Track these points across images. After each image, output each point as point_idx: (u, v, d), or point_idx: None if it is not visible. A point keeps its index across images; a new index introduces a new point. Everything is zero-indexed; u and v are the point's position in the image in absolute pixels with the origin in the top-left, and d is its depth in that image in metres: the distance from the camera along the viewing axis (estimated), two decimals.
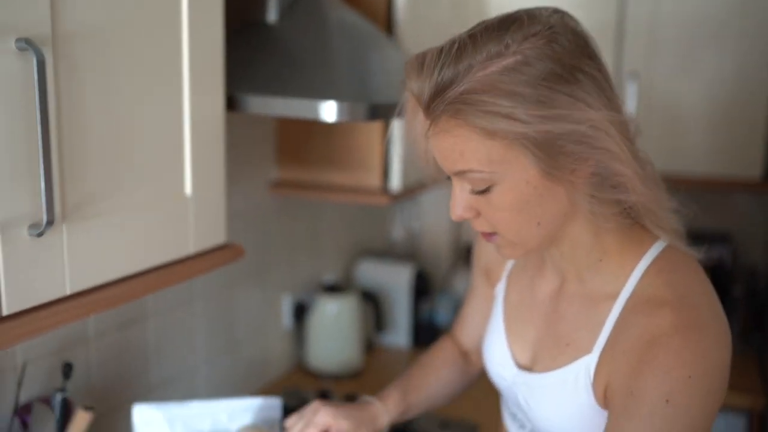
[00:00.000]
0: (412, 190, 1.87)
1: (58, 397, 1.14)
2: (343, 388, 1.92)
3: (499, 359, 1.07)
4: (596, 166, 0.82)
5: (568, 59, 0.81)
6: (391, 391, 1.21)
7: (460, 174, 0.85)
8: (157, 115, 1.00)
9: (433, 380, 1.25)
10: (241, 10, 1.31)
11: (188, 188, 1.07)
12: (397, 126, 1.77)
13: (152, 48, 0.97)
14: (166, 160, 1.03)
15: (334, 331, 2.01)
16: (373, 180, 1.78)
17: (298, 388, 1.93)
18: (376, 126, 1.76)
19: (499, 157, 0.82)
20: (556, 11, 0.85)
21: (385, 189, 1.78)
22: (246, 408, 1.18)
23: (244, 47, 1.25)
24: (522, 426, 1.06)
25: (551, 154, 0.80)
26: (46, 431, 1.15)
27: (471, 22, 0.88)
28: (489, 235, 0.91)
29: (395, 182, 1.79)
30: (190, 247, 1.09)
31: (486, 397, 1.92)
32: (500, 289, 1.12)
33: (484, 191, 0.85)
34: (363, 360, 2.11)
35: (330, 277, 2.12)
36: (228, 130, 1.15)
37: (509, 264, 1.12)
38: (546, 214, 0.86)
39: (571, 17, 0.86)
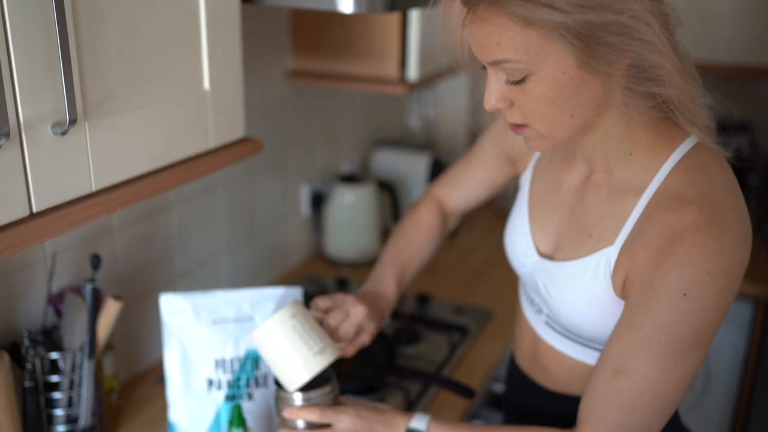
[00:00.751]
0: (429, 79, 1.85)
1: (89, 287, 1.19)
2: (360, 276, 1.98)
3: (521, 247, 1.10)
4: (634, 57, 0.81)
5: None
6: (388, 282, 1.25)
7: (496, 64, 0.85)
8: (173, 9, 0.98)
9: (418, 259, 1.30)
10: None
11: (206, 83, 1.07)
12: (415, 15, 1.73)
13: None
14: (184, 55, 1.02)
15: (351, 220, 2.04)
16: (391, 69, 1.76)
17: (317, 274, 1.99)
18: (394, 15, 1.72)
19: (537, 47, 0.81)
20: None
21: (402, 78, 1.76)
22: (268, 297, 1.22)
23: None
24: (539, 311, 1.10)
25: (589, 44, 0.79)
26: (79, 318, 1.20)
27: None
28: (519, 127, 0.91)
29: (412, 72, 1.76)
30: (210, 142, 1.10)
31: (501, 285, 1.99)
32: (526, 179, 1.14)
33: (519, 81, 0.84)
34: (380, 248, 2.15)
35: (347, 166, 2.13)
36: (243, 21, 1.13)
37: (536, 155, 1.13)
38: (580, 106, 0.86)
39: None
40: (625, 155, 0.94)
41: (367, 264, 2.08)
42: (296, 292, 1.23)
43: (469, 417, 1.51)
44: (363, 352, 1.21)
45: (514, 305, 1.86)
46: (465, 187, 1.30)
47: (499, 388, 1.68)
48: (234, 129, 1.15)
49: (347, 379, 1.39)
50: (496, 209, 2.57)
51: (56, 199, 0.85)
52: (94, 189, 0.90)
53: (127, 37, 0.91)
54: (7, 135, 0.76)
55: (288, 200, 1.99)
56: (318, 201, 2.07)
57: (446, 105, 2.70)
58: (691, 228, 0.84)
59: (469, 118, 2.76)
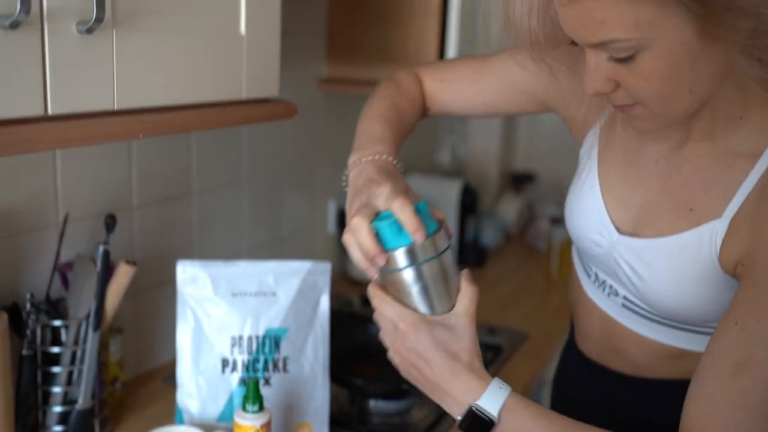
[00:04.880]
0: None
1: (101, 248, 1.10)
2: None
3: (593, 225, 0.95)
4: (757, 19, 0.70)
5: None
6: (386, 137, 0.97)
7: (600, 46, 0.73)
8: None
9: (407, 127, 1.06)
10: None
11: (242, 27, 1.01)
12: (454, 17, 1.69)
13: None
14: None
15: None
16: None
17: (341, 292, 1.88)
18: (432, 19, 1.68)
19: (649, 18, 0.69)
20: None
21: None
22: (294, 271, 1.13)
23: None
24: (614, 293, 0.96)
25: (708, 4, 0.68)
26: (88, 284, 1.10)
27: None
28: (628, 107, 0.79)
29: None
30: (243, 92, 1.03)
31: (538, 310, 1.88)
32: (591, 145, 0.99)
33: (626, 59, 0.73)
34: None
35: None
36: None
37: (606, 113, 0.98)
38: (700, 79, 0.75)
39: None
40: (735, 120, 0.82)
41: None
42: (325, 267, 1.14)
43: None
44: None
45: (552, 329, 1.77)
46: (462, 98, 1.10)
47: None
48: (268, 86, 1.08)
49: (376, 381, 1.29)
50: (527, 244, 2.47)
51: (74, 105, 0.78)
52: (116, 107, 0.83)
53: None
54: (27, 12, 0.69)
55: (315, 214, 1.90)
56: (344, 219, 1.99)
57: (478, 140, 2.64)
58: None
59: (502, 157, 2.69)
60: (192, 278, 1.10)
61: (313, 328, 1.15)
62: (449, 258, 0.81)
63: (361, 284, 1.97)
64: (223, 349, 1.11)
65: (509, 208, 2.56)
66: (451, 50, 1.69)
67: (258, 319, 1.11)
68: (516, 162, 2.86)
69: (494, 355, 1.56)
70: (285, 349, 1.12)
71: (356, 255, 0.80)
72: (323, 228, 1.95)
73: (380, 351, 0.85)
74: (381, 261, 0.78)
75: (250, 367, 1.11)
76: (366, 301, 1.79)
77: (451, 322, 0.80)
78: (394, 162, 0.92)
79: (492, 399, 0.76)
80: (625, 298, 0.94)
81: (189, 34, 0.92)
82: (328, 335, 1.16)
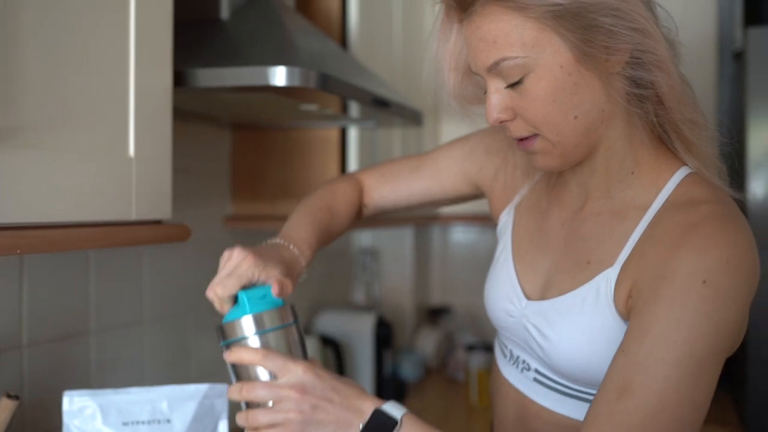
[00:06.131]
0: (371, 222, 1.83)
1: None
2: None
3: (506, 294, 1.01)
4: (629, 45, 0.81)
5: None
6: (302, 234, 1.04)
7: (494, 67, 0.84)
8: (102, 74, 0.97)
9: (336, 229, 1.13)
10: (192, 6, 1.31)
11: (131, 149, 1.03)
12: (353, 151, 1.77)
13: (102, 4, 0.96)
14: (109, 117, 0.99)
15: None
16: None
17: None
18: (331, 155, 1.75)
19: (533, 39, 0.81)
20: None
21: None
22: (190, 395, 1.08)
23: (195, 34, 1.25)
24: (526, 368, 0.98)
25: (584, 32, 0.79)
26: None
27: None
28: (527, 141, 0.88)
29: None
30: (133, 213, 1.04)
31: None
32: (506, 224, 1.07)
33: (518, 83, 0.83)
34: None
35: None
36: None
37: (520, 194, 1.07)
38: (582, 105, 0.84)
39: None
40: (627, 175, 0.91)
41: None
42: (222, 389, 1.10)
43: None
44: None
45: None
46: (402, 187, 1.19)
47: None
48: (160, 208, 1.09)
49: None
50: (447, 376, 2.45)
51: None
52: None
53: (48, 75, 0.88)
54: None
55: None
56: None
57: (391, 279, 2.67)
58: (706, 218, 0.80)
59: (416, 293, 2.72)
60: (80, 409, 1.05)
61: None
62: (293, 333, 0.90)
63: None
64: None
65: (427, 342, 2.56)
66: None
67: None
68: (431, 296, 2.90)
69: None
70: None
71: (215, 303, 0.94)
72: None
73: None
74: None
75: None
76: None
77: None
78: (297, 252, 1.01)
79: (395, 406, 0.85)
80: (536, 371, 0.96)
81: (76, 152, 0.93)
82: None
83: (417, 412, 1.31)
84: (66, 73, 0.91)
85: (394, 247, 2.62)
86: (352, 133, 1.76)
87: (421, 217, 2.29)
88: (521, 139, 0.89)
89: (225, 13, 1.33)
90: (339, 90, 1.19)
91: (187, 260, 1.68)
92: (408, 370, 2.33)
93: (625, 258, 0.86)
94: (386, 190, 1.21)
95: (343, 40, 1.67)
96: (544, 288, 0.97)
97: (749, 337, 1.94)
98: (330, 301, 2.40)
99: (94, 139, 0.97)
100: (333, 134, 1.74)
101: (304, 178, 1.78)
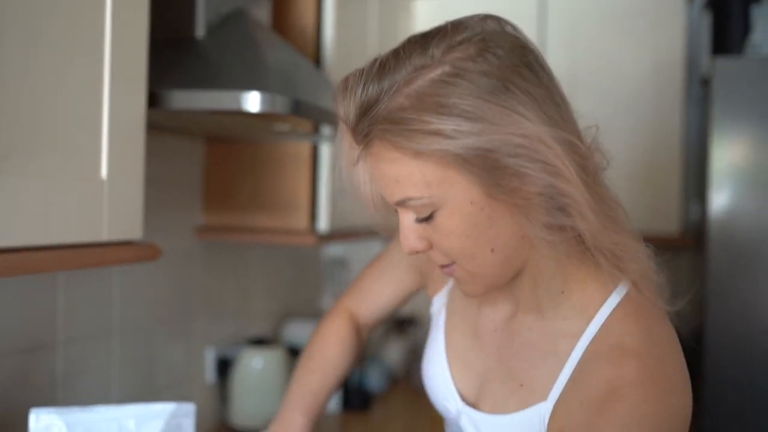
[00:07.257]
0: (342, 235, 1.86)
1: None
2: None
3: (442, 391, 0.99)
4: (540, 185, 0.75)
5: (501, 68, 0.75)
6: (295, 415, 1.13)
7: (402, 203, 0.79)
8: (75, 98, 0.97)
9: (333, 382, 1.18)
10: (167, 25, 1.32)
11: (104, 171, 1.04)
12: (325, 166, 1.79)
13: (76, 28, 0.96)
14: (82, 140, 1.00)
15: (259, 386, 1.92)
16: (301, 221, 1.77)
17: None
18: (303, 167, 1.77)
19: (436, 178, 0.76)
20: (489, 17, 0.80)
21: (312, 230, 1.77)
22: (157, 414, 1.10)
23: (170, 54, 1.26)
24: None
25: (488, 169, 0.74)
26: None
27: None
28: (448, 268, 0.85)
29: (323, 223, 1.78)
30: (104, 234, 1.05)
31: None
32: (440, 306, 1.05)
33: (428, 218, 0.79)
34: None
35: (257, 331, 2.05)
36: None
37: (451, 281, 1.04)
38: (498, 239, 0.79)
39: (508, 23, 0.81)
40: (556, 294, 0.86)
41: None
42: (189, 409, 1.12)
43: None
44: None
45: None
46: (377, 299, 1.22)
47: None
48: (131, 228, 1.10)
49: None
50: (413, 387, 2.48)
51: None
52: None
53: (19, 97, 0.89)
54: None
55: (192, 363, 1.87)
56: (224, 367, 1.95)
57: None
58: (632, 383, 0.76)
59: None
60: (46, 427, 1.06)
61: None
62: None
63: None
64: None
65: (394, 351, 2.59)
66: (323, 196, 1.77)
67: None
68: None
69: None
70: None
71: None
72: (201, 377, 1.91)
73: None
74: None
75: None
76: None
77: None
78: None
79: None
80: None
81: (47, 177, 0.94)
82: None
83: (382, 423, 1.34)
84: (39, 96, 0.91)
85: (364, 257, 2.64)
86: (324, 148, 1.78)
87: (389, 229, 2.31)
88: (443, 266, 0.85)
89: (200, 31, 1.34)
90: (310, 114, 1.21)
91: (157, 271, 1.69)
92: (374, 380, 2.36)
93: (557, 396, 0.83)
94: (367, 308, 1.22)
95: (317, 57, 1.69)
96: (478, 393, 0.95)
97: (705, 356, 2.00)
98: (298, 310, 2.42)
99: (67, 163, 0.97)
100: (305, 148, 1.76)
101: (276, 190, 1.79)
